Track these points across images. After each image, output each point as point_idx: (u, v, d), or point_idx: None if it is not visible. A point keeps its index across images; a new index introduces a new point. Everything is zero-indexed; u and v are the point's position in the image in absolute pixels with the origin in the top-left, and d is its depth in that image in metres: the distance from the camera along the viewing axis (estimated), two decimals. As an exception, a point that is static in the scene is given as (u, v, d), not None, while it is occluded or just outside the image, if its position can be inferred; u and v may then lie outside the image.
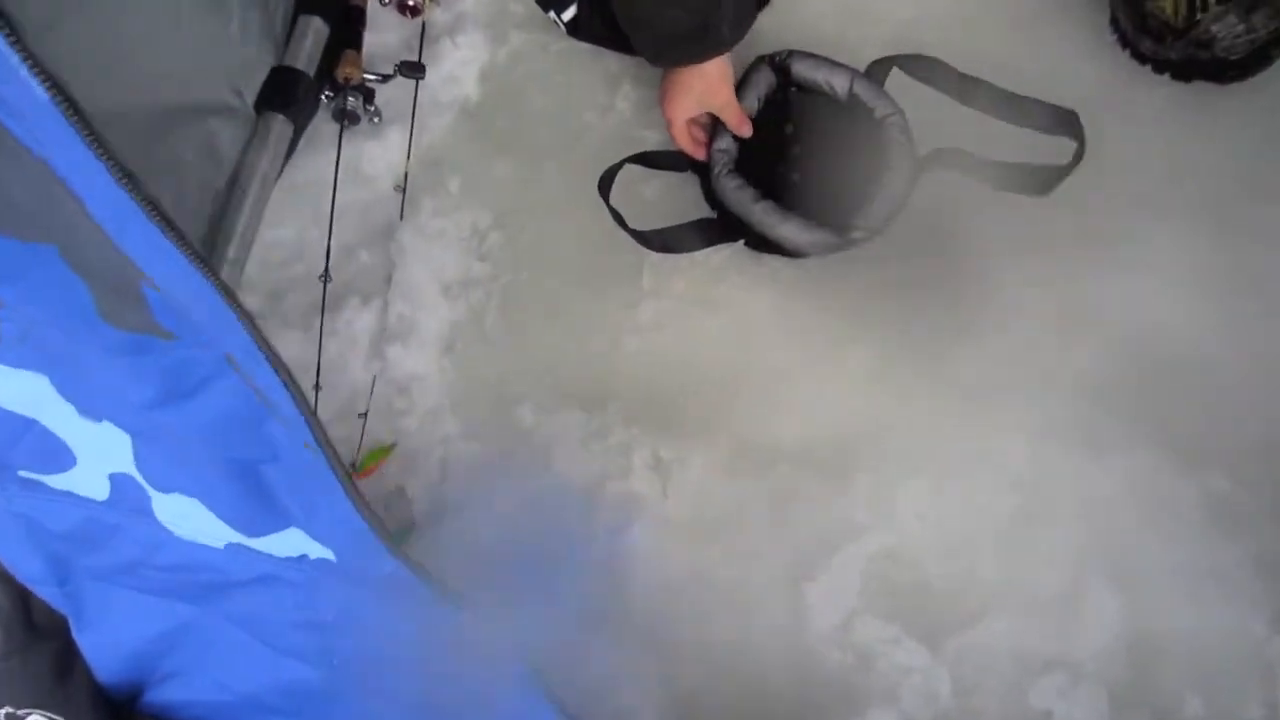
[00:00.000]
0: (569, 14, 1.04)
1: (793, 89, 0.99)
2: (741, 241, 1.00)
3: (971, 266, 0.95)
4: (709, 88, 0.92)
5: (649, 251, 0.97)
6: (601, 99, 1.07)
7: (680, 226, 0.98)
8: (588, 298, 1.00)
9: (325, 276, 0.92)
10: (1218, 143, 0.96)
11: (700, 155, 0.98)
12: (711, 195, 1.01)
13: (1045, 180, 0.92)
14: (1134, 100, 1.00)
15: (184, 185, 0.86)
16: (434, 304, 0.99)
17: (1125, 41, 1.01)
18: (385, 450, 0.96)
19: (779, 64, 0.98)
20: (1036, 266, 0.94)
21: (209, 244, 0.90)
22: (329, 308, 0.95)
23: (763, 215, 0.94)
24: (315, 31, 0.95)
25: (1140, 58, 1.00)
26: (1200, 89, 0.98)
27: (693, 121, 0.96)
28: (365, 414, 0.95)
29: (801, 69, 0.97)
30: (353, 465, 0.94)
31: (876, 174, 0.94)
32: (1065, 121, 0.94)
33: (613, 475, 0.93)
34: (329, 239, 0.92)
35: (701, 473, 0.93)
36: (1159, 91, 0.99)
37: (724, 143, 0.96)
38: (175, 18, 0.81)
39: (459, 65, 1.09)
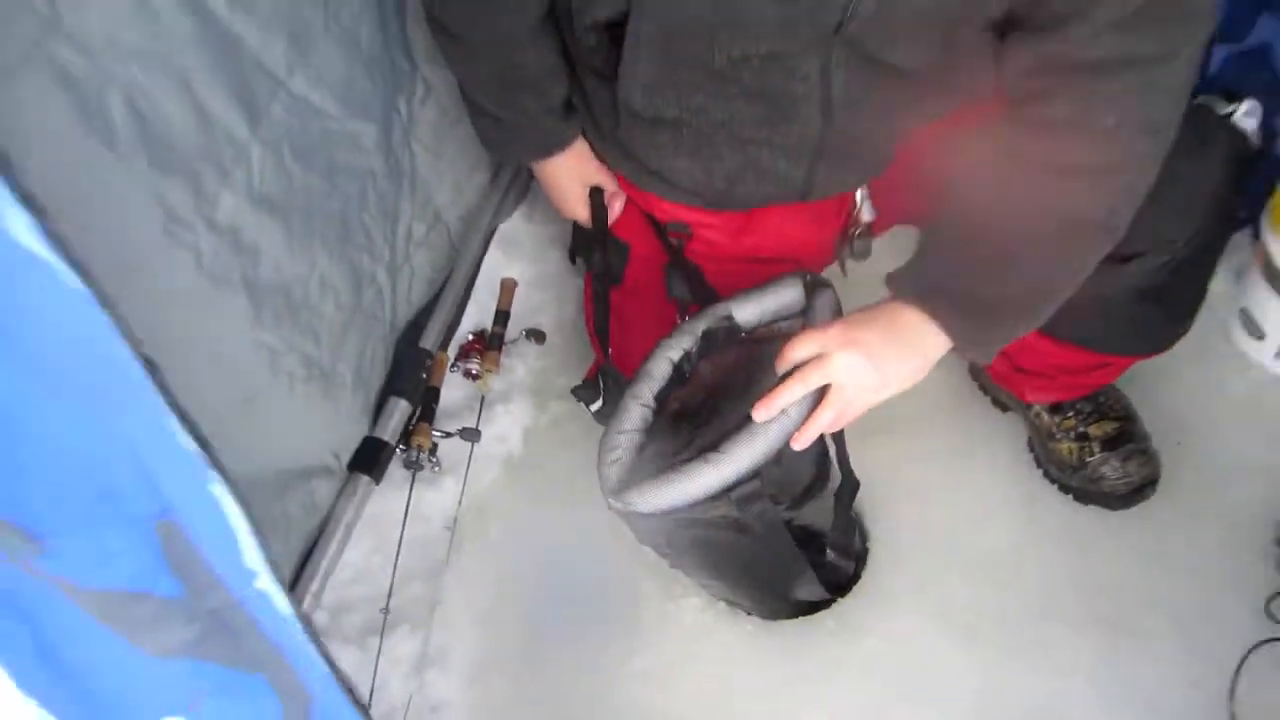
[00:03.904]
0: (596, 406, 1.30)
1: None
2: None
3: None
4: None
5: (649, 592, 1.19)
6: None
7: None
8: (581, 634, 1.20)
9: (386, 610, 1.13)
10: (1105, 558, 1.20)
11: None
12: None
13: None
14: (1037, 508, 1.25)
15: (290, 540, 1.09)
16: (469, 636, 1.19)
17: (1038, 462, 1.28)
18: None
19: None
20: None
21: (295, 577, 1.12)
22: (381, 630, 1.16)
23: None
24: (401, 411, 1.22)
25: (1049, 478, 1.26)
26: (1095, 511, 1.23)
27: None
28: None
29: None
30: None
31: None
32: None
33: None
34: (392, 577, 1.14)
35: None
36: (1063, 510, 1.24)
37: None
38: (304, 407, 1.07)
39: (508, 426, 1.36)
